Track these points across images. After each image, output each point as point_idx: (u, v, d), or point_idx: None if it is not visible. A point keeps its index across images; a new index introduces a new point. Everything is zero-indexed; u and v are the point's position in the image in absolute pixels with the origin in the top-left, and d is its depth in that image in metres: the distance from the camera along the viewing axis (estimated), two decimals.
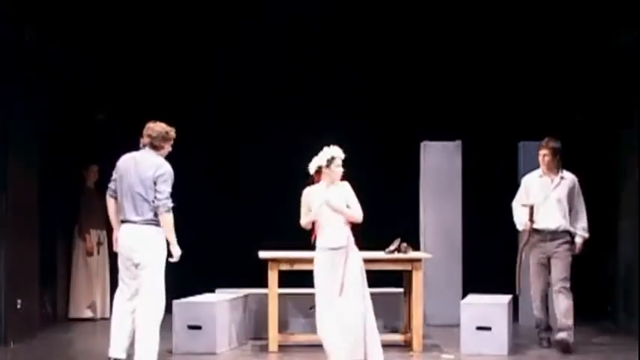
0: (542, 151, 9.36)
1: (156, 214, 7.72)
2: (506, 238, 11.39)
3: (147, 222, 7.74)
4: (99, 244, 11.33)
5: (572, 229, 9.28)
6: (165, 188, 7.72)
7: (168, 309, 8.99)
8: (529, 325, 10.69)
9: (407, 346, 9.23)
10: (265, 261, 9.12)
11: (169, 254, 7.80)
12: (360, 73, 12.10)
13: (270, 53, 12.01)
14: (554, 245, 9.23)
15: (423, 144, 11.30)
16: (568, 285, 9.16)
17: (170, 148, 8.00)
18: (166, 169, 7.79)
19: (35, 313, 10.12)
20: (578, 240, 9.29)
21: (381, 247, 9.07)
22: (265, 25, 11.70)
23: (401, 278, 9.55)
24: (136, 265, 7.79)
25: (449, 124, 11.71)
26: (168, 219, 7.69)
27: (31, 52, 9.82)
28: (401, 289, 9.67)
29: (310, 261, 8.84)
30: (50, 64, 10.39)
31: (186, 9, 11.49)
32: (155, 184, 7.73)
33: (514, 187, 11.17)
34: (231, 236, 12.01)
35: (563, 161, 9.38)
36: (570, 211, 9.28)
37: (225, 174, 12.23)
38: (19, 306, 9.49)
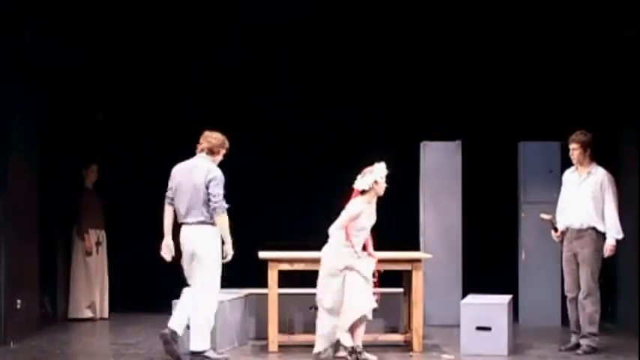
0: (571, 145, 9.13)
1: (211, 216, 8.34)
2: (507, 238, 11.43)
3: (202, 222, 8.37)
4: (98, 244, 11.33)
5: (601, 228, 9.00)
6: (219, 191, 8.33)
7: (168, 309, 9.01)
8: (529, 325, 10.72)
9: (407, 346, 9.23)
10: (265, 261, 9.12)
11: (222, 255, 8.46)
12: (360, 73, 12.09)
13: (270, 51, 12.00)
14: (580, 244, 9.01)
15: (423, 144, 11.30)
16: (595, 291, 8.97)
17: (222, 158, 8.59)
18: (217, 174, 8.39)
19: (35, 313, 10.12)
20: (609, 242, 8.95)
21: (381, 248, 9.04)
22: (266, 24, 11.69)
23: (401, 278, 9.55)
24: (193, 259, 8.36)
25: (449, 124, 11.70)
26: (224, 219, 8.34)
27: (31, 52, 9.82)
28: (401, 289, 9.67)
29: (310, 261, 9.05)
30: (50, 64, 10.38)
31: (187, 9, 11.48)
32: (207, 187, 8.35)
33: (514, 187, 11.22)
34: (231, 236, 12.00)
35: (596, 156, 9.15)
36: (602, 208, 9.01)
37: (225, 174, 12.20)
38: (19, 306, 9.49)
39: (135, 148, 12.29)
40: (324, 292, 8.59)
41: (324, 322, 8.60)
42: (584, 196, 9.03)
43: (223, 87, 12.23)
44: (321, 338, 8.62)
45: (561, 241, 9.25)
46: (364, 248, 8.68)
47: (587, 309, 8.97)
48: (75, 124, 11.28)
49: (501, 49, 11.76)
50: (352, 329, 8.52)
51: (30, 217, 9.93)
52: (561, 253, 9.31)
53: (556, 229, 9.22)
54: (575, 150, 9.12)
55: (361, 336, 8.63)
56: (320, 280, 8.65)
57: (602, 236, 9.01)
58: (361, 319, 8.52)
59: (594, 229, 9.00)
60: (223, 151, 8.60)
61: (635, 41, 10.18)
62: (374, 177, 8.55)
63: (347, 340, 8.50)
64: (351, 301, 8.44)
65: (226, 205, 8.38)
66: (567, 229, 9.13)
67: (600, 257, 9.02)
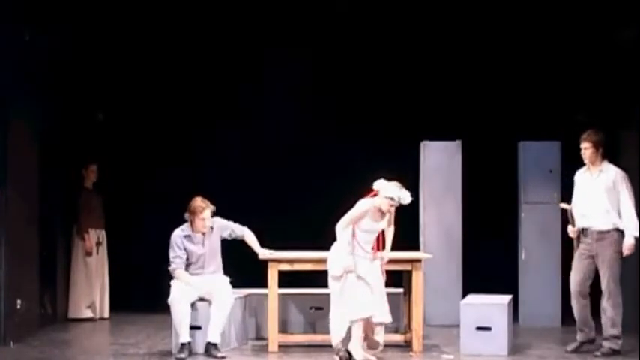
0: (583, 145, 8.94)
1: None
2: (507, 238, 11.42)
3: None
4: (98, 243, 11.32)
5: (620, 226, 8.83)
6: (170, 252, 9.13)
7: (169, 309, 9.01)
8: (529, 325, 10.71)
9: (407, 346, 9.23)
10: (265, 261, 9.13)
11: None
12: (360, 73, 12.09)
13: (270, 51, 11.99)
14: (602, 246, 8.84)
15: (423, 144, 11.30)
16: (617, 293, 8.89)
17: (197, 219, 9.10)
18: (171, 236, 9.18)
19: (35, 313, 10.12)
20: (628, 240, 8.78)
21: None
22: (266, 24, 11.69)
23: (401, 278, 9.55)
24: None
25: (449, 124, 11.70)
26: (177, 277, 9.10)
27: (32, 52, 9.82)
28: (401, 289, 9.67)
29: (310, 260, 9.10)
30: (50, 64, 10.38)
31: (186, 9, 11.49)
32: None
33: (514, 187, 11.21)
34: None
35: (607, 155, 9.02)
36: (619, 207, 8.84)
37: (225, 174, 12.21)
38: (19, 306, 9.49)
39: (135, 148, 12.29)
40: (331, 293, 8.58)
41: (333, 321, 8.54)
42: (599, 197, 8.88)
43: (223, 87, 12.22)
44: (334, 335, 8.55)
45: (577, 237, 9.05)
46: (378, 248, 8.67)
47: (609, 312, 8.88)
48: (75, 124, 11.27)
49: (501, 50, 11.76)
50: (366, 333, 8.48)
51: (30, 217, 9.93)
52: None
53: (573, 224, 9.06)
54: (587, 150, 8.95)
55: (382, 337, 8.58)
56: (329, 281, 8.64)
57: (623, 236, 8.85)
58: (370, 323, 8.46)
59: (617, 229, 8.85)
60: (196, 218, 9.11)
61: (634, 42, 10.18)
62: (394, 194, 8.40)
63: (358, 354, 8.43)
64: (348, 305, 8.41)
65: (172, 267, 9.06)
66: (585, 230, 8.95)
67: (621, 258, 8.87)
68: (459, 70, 11.99)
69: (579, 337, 9.11)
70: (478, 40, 11.76)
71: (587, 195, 8.98)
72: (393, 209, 8.53)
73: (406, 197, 8.46)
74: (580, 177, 9.14)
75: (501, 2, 11.23)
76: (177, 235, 9.13)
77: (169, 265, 9.10)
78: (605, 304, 8.91)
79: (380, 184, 8.49)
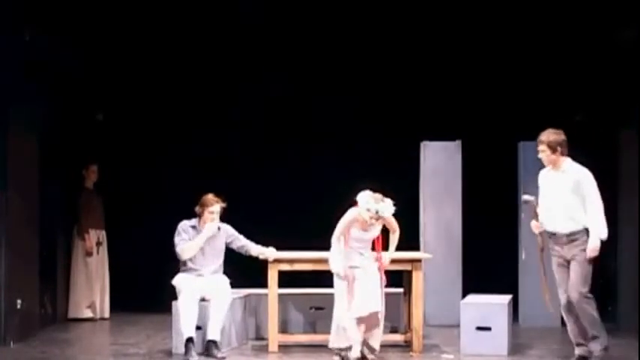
0: (538, 147, 8.36)
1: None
2: (507, 238, 11.43)
3: None
4: (98, 244, 11.33)
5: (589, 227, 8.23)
6: (175, 238, 9.20)
7: (169, 309, 9.02)
8: (529, 325, 10.71)
9: (407, 346, 9.23)
10: (265, 261, 9.13)
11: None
12: (360, 73, 12.09)
13: (270, 52, 12.00)
14: (572, 247, 8.28)
15: (423, 144, 11.30)
16: (588, 291, 8.29)
17: (208, 214, 9.20)
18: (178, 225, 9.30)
19: (35, 313, 10.12)
20: (593, 242, 8.20)
21: (382, 248, 9.04)
22: (265, 24, 11.71)
23: (401, 278, 9.55)
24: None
25: (449, 124, 11.70)
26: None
27: (32, 52, 9.82)
28: (401, 289, 9.67)
29: (310, 261, 9.12)
30: (50, 64, 10.38)
31: (185, 8, 11.49)
32: None
33: (514, 187, 11.22)
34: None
35: (570, 154, 8.41)
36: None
37: (225, 174, 12.22)
38: (19, 306, 9.49)
39: (135, 148, 12.29)
40: (336, 293, 8.59)
41: (337, 321, 8.55)
42: (563, 198, 8.34)
43: (223, 87, 12.22)
44: (334, 334, 8.58)
45: (540, 234, 8.54)
46: (374, 249, 8.68)
47: (587, 311, 8.37)
48: (75, 124, 11.28)
49: (501, 49, 11.76)
50: (367, 330, 8.49)
51: (30, 217, 9.93)
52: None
53: (537, 219, 8.52)
54: (542, 152, 8.35)
55: (379, 339, 8.60)
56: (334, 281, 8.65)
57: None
58: (372, 320, 8.48)
59: (586, 230, 8.30)
60: (205, 210, 9.22)
61: (634, 42, 10.18)
62: (371, 206, 8.33)
63: (355, 351, 8.43)
64: (355, 301, 8.42)
65: (178, 249, 9.09)
66: (554, 235, 8.44)
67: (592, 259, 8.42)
68: (459, 70, 11.99)
69: (580, 351, 8.53)
70: (478, 41, 11.76)
71: (551, 197, 8.43)
72: (374, 221, 8.46)
73: (385, 210, 8.41)
74: (543, 178, 8.59)
75: (501, 2, 11.23)
76: (185, 223, 9.22)
77: (175, 247, 9.10)
78: (584, 305, 8.33)
79: (361, 196, 8.42)
